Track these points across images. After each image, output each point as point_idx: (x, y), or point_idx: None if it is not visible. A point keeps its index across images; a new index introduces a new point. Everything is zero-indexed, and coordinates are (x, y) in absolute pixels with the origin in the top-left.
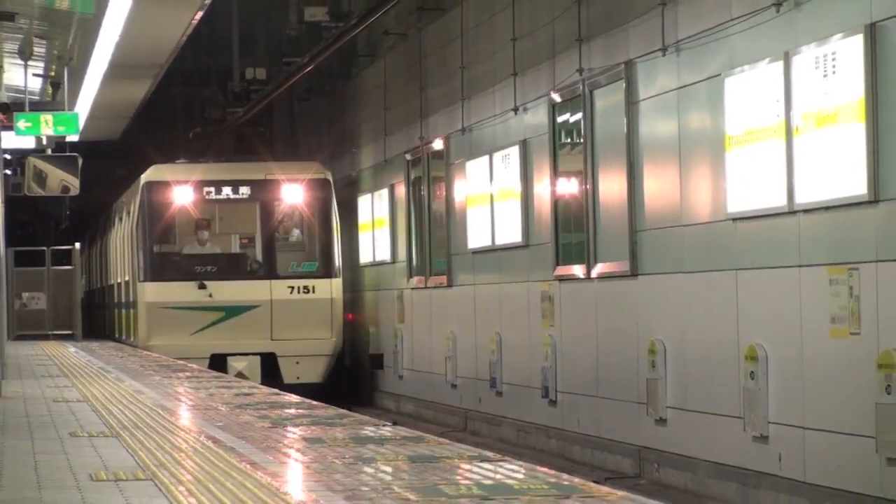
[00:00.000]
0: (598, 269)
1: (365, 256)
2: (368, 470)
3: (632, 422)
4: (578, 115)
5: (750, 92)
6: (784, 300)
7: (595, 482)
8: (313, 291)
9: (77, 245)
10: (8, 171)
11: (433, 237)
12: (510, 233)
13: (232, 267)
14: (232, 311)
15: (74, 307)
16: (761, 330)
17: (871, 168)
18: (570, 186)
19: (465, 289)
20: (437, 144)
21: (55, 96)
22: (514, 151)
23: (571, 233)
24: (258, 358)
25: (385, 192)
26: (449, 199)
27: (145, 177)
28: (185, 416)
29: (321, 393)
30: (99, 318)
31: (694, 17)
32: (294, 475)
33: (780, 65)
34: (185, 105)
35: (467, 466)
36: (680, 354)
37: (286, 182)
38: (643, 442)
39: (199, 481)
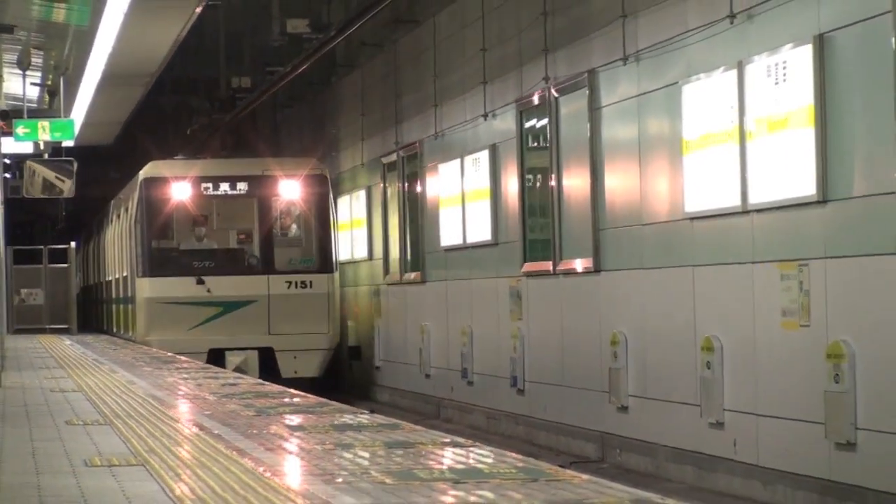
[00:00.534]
0: (563, 266)
1: (344, 254)
2: (347, 455)
3: (595, 409)
4: (544, 121)
5: (706, 99)
6: (738, 294)
7: (560, 466)
8: (310, 286)
9: (72, 244)
10: (7, 175)
11: (408, 236)
12: (480, 231)
13: (230, 262)
14: (230, 306)
15: (70, 303)
16: (717, 322)
17: (819, 170)
18: (536, 188)
19: (437, 284)
20: (412, 148)
21: (52, 104)
22: (484, 155)
23: (538, 231)
24: (256, 352)
25: (362, 193)
26: (422, 200)
27: (143, 173)
28: (174, 405)
29: (319, 386)
30: (93, 313)
31: (653, 29)
32: (276, 460)
33: (734, 73)
34: (174, 112)
35: (440, 452)
36: (640, 346)
37: (283, 178)
38: (606, 428)
39: (188, 466)
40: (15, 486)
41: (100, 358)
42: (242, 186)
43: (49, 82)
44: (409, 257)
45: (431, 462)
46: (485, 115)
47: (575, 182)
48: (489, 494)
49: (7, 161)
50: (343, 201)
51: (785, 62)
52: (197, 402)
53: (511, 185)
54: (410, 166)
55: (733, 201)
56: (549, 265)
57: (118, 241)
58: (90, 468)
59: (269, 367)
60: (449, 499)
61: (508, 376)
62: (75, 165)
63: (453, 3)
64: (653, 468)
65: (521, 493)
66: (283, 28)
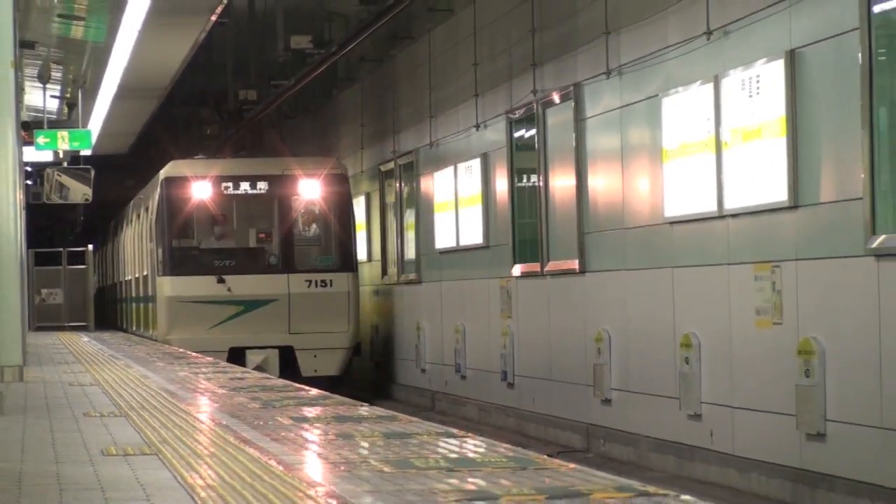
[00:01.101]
0: (550, 267)
1: None
2: (348, 445)
3: (581, 402)
4: (533, 131)
5: (684, 110)
6: (715, 294)
7: (548, 455)
8: (331, 285)
9: (90, 247)
10: (29, 182)
11: (405, 239)
12: (473, 235)
13: (250, 261)
14: (250, 305)
15: (87, 302)
16: (695, 320)
17: (791, 177)
18: (525, 194)
19: (432, 285)
20: (408, 157)
21: (70, 115)
22: (476, 163)
23: (527, 235)
24: (276, 351)
25: (362, 199)
26: (418, 205)
27: (164, 172)
28: (185, 398)
29: (339, 385)
30: (109, 312)
31: (634, 45)
32: (281, 450)
33: (710, 86)
34: (185, 123)
35: (435, 442)
36: (623, 342)
37: (304, 177)
38: (591, 420)
39: (199, 455)
40: (36, 473)
41: (115, 354)
42: (263, 186)
43: (68, 95)
44: (405, 259)
45: (427, 452)
46: (477, 126)
47: (561, 188)
48: (481, 482)
49: (28, 169)
50: None
51: (758, 76)
52: (206, 395)
53: (501, 191)
54: (407, 174)
55: (710, 206)
56: (537, 266)
57: (138, 240)
58: (106, 457)
59: (289, 366)
60: (443, 486)
61: (499, 371)
62: (92, 173)
63: (447, 21)
64: (635, 457)
65: (511, 480)
66: (288, 44)
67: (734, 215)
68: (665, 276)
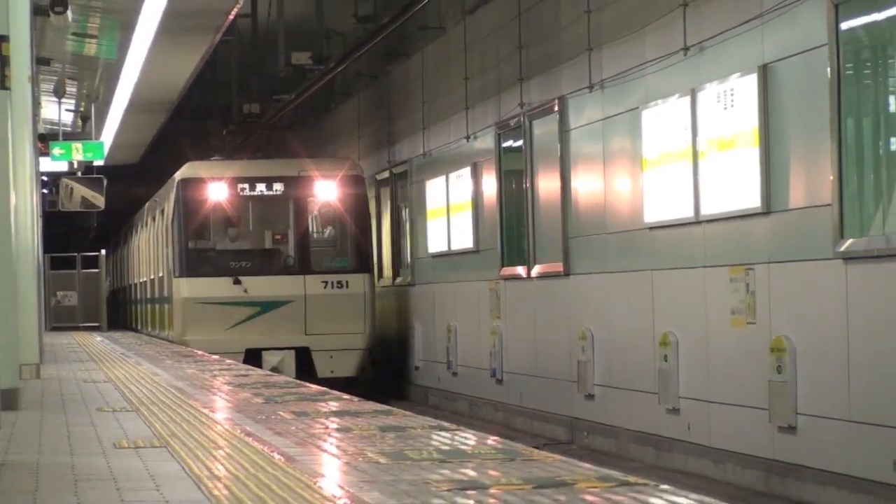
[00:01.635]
0: (536, 270)
1: None
2: (346, 437)
3: (565, 397)
4: (520, 142)
5: (663, 122)
6: (692, 295)
7: (535, 447)
8: (347, 286)
9: (103, 252)
10: (45, 191)
11: (399, 244)
12: (463, 240)
13: (266, 262)
14: (266, 306)
15: (100, 303)
16: (673, 320)
17: (763, 185)
18: (512, 201)
19: (425, 287)
20: (402, 166)
21: (84, 128)
22: (467, 172)
23: (514, 239)
24: (293, 352)
25: None
26: (412, 212)
27: (180, 173)
28: (193, 394)
29: (355, 386)
30: (121, 313)
31: (615, 60)
32: (283, 442)
33: (687, 99)
34: (192, 135)
35: (428, 435)
36: (605, 341)
37: (320, 178)
38: (575, 414)
39: (205, 448)
40: (52, 465)
41: (127, 352)
42: (279, 187)
43: (82, 109)
44: (399, 263)
45: (420, 444)
46: (467, 137)
47: (547, 195)
48: (472, 472)
49: (45, 178)
50: None
51: (733, 89)
52: (212, 391)
53: (490, 198)
54: (401, 182)
55: (687, 212)
56: (524, 269)
57: (153, 242)
58: (118, 450)
59: (305, 367)
60: (436, 476)
61: (488, 368)
62: (105, 182)
63: (439, 39)
64: (616, 449)
65: (499, 471)
66: (289, 60)
67: (710, 221)
68: (645, 279)
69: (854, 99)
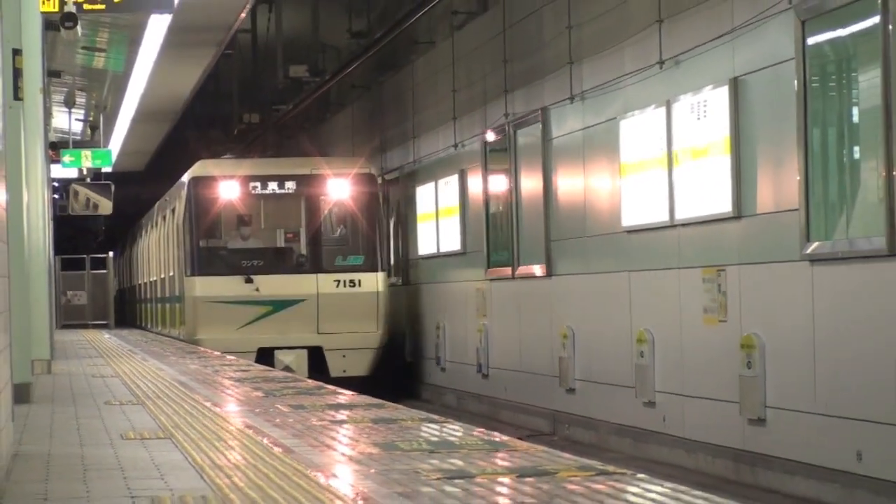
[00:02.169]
0: (520, 271)
1: None
2: (340, 429)
3: (548, 391)
4: (505, 150)
5: (639, 131)
6: (667, 295)
7: (519, 438)
8: (359, 285)
9: (110, 254)
10: (56, 196)
11: (391, 247)
12: (451, 242)
13: (278, 261)
14: (279, 305)
15: (108, 302)
16: (649, 318)
17: (735, 191)
18: (498, 205)
19: (415, 287)
20: (394, 174)
21: (93, 136)
22: (455, 179)
23: (500, 242)
24: (305, 352)
25: None
26: (403, 217)
27: (192, 172)
28: (195, 388)
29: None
30: (128, 311)
31: (595, 73)
32: (281, 434)
33: (663, 110)
34: (195, 143)
35: (418, 426)
36: (585, 338)
37: (331, 177)
38: (557, 407)
39: (207, 439)
40: (63, 455)
41: (133, 349)
42: (291, 185)
43: (91, 118)
44: (391, 265)
45: (410, 435)
46: (455, 146)
47: (530, 200)
48: (459, 462)
49: (55, 184)
50: None
51: (705, 101)
52: (214, 385)
53: (476, 203)
54: (393, 188)
55: (663, 217)
56: (508, 271)
57: (163, 241)
58: (125, 441)
59: (318, 367)
60: (426, 466)
61: (475, 363)
62: (113, 188)
63: (428, 53)
64: (596, 440)
65: (485, 461)
66: (287, 73)
67: (684, 225)
68: (622, 279)
69: (819, 110)
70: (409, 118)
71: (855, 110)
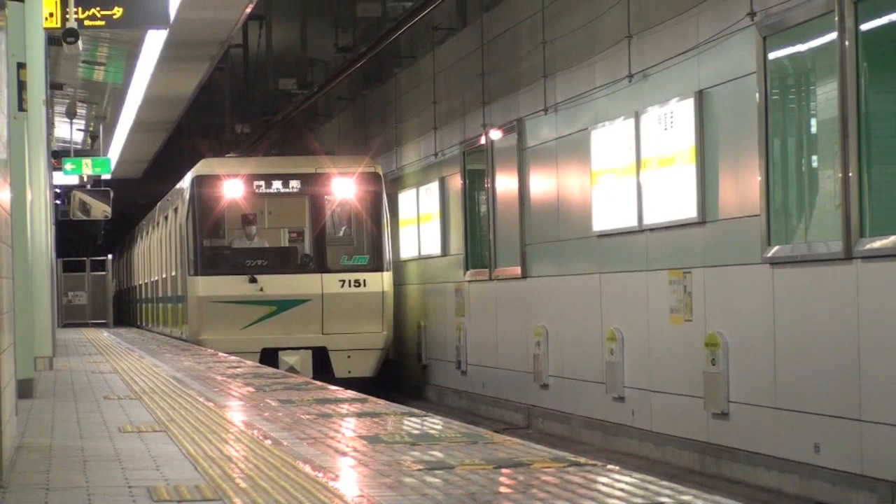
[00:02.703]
0: (497, 273)
1: None
2: (327, 423)
3: (523, 386)
4: (482, 159)
5: (610, 141)
6: (636, 296)
7: (496, 431)
8: (364, 285)
9: (109, 256)
10: (58, 202)
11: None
12: (432, 246)
13: (283, 261)
14: (283, 305)
15: (107, 302)
16: (619, 318)
17: (699, 198)
18: (476, 211)
19: (398, 288)
20: None
21: (93, 145)
22: (435, 186)
23: (478, 245)
24: (309, 352)
25: None
26: (387, 221)
27: (195, 170)
28: (189, 384)
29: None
30: (126, 311)
31: (568, 86)
32: (271, 427)
33: (632, 121)
34: (189, 152)
35: (400, 420)
36: (559, 336)
37: (336, 175)
38: (531, 402)
39: (200, 432)
40: (64, 447)
41: (131, 346)
42: (295, 184)
43: (91, 128)
44: None
45: (393, 429)
46: (436, 154)
47: (506, 206)
48: (439, 454)
49: (58, 190)
50: None
51: (672, 112)
52: (207, 381)
53: (456, 209)
54: None
55: (631, 222)
56: (486, 273)
57: (165, 241)
58: (123, 433)
59: (322, 367)
60: (407, 457)
61: (454, 360)
62: (111, 194)
63: (411, 66)
64: (568, 433)
65: (464, 452)
66: (276, 85)
67: (652, 229)
68: (594, 281)
69: (780, 121)
70: (393, 128)
71: (813, 121)
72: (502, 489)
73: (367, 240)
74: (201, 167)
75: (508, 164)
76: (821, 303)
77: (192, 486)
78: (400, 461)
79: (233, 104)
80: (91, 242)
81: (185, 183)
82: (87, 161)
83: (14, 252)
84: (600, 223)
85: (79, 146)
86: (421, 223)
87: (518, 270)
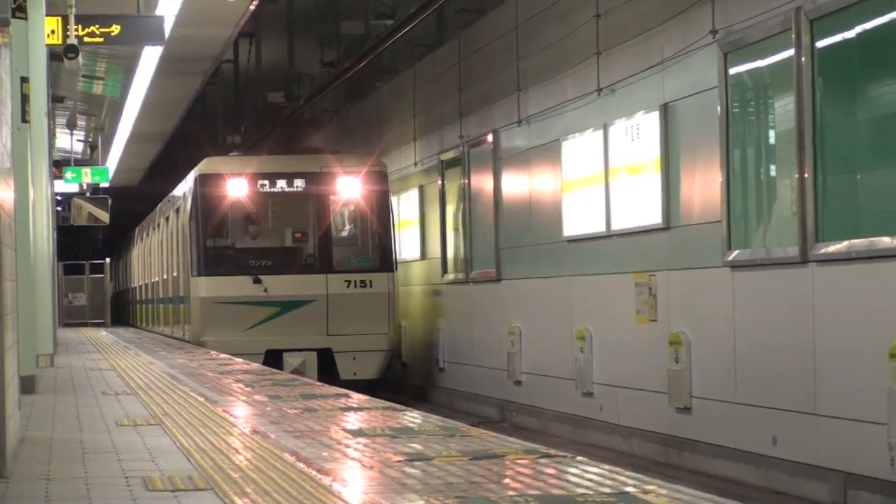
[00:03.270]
0: (473, 276)
1: None
2: (312, 417)
3: (497, 383)
4: (459, 168)
5: (579, 151)
6: (603, 297)
7: (471, 425)
8: (370, 286)
9: (107, 260)
10: (59, 208)
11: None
12: (411, 250)
13: (287, 261)
14: (287, 306)
15: (106, 303)
16: (588, 318)
17: (664, 205)
18: (453, 217)
19: None
20: None
21: (93, 155)
22: (415, 193)
23: (455, 250)
24: (314, 354)
25: None
26: None
27: (198, 169)
28: (182, 380)
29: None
30: (123, 311)
31: (540, 100)
32: (259, 421)
33: (600, 132)
34: (184, 162)
35: (382, 415)
36: (531, 335)
37: (342, 174)
38: (505, 397)
39: (193, 425)
40: (63, 440)
41: (127, 345)
42: (300, 183)
43: (90, 139)
44: None
45: (375, 423)
46: (415, 164)
47: (481, 212)
48: (418, 446)
49: (59, 198)
50: None
51: (638, 125)
52: (199, 378)
53: (434, 215)
54: None
55: (600, 227)
56: (463, 276)
57: (167, 242)
58: (120, 427)
59: (327, 369)
60: (389, 449)
61: (433, 359)
62: (110, 201)
63: (392, 81)
64: (540, 427)
65: (442, 445)
66: (265, 98)
67: (619, 235)
68: (564, 283)
69: (740, 133)
70: (375, 139)
71: (771, 133)
72: (477, 479)
73: (373, 240)
74: (204, 166)
75: (484, 173)
76: (778, 304)
77: (186, 476)
78: (381, 452)
79: (225, 115)
80: (90, 247)
81: (188, 182)
82: (86, 170)
83: (17, 255)
84: (571, 229)
85: (79, 156)
86: (401, 229)
87: (493, 273)
